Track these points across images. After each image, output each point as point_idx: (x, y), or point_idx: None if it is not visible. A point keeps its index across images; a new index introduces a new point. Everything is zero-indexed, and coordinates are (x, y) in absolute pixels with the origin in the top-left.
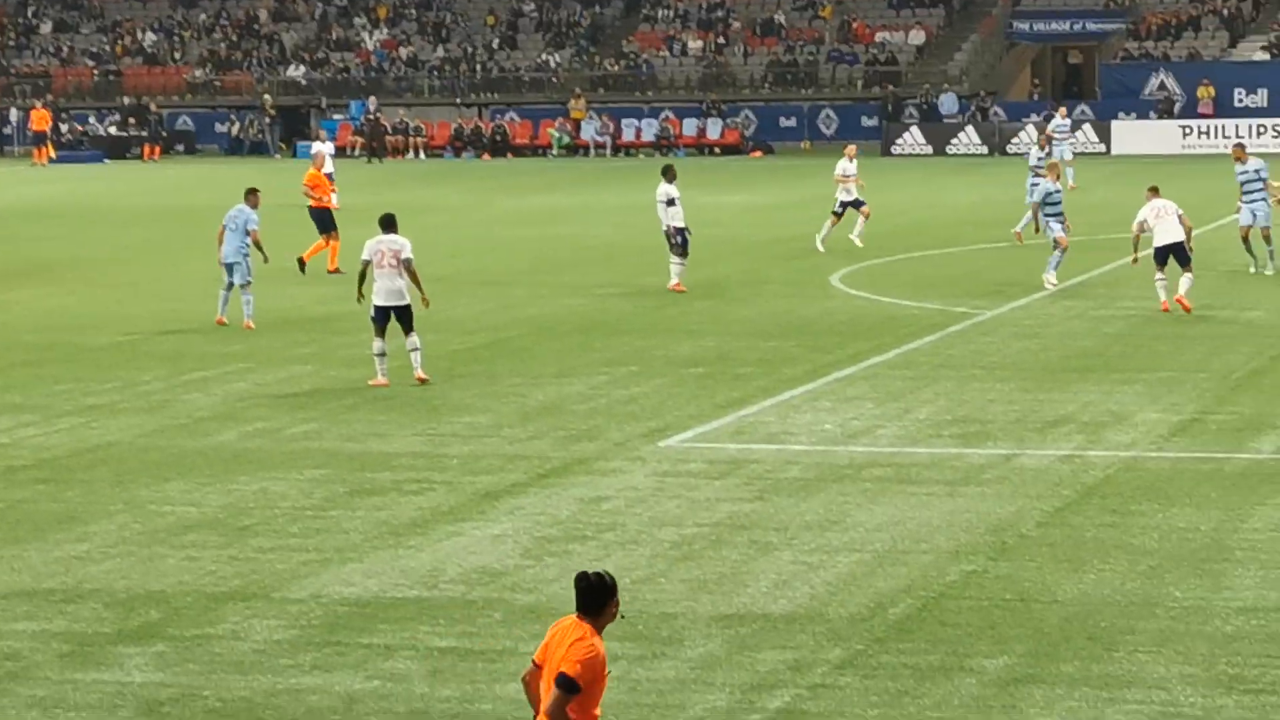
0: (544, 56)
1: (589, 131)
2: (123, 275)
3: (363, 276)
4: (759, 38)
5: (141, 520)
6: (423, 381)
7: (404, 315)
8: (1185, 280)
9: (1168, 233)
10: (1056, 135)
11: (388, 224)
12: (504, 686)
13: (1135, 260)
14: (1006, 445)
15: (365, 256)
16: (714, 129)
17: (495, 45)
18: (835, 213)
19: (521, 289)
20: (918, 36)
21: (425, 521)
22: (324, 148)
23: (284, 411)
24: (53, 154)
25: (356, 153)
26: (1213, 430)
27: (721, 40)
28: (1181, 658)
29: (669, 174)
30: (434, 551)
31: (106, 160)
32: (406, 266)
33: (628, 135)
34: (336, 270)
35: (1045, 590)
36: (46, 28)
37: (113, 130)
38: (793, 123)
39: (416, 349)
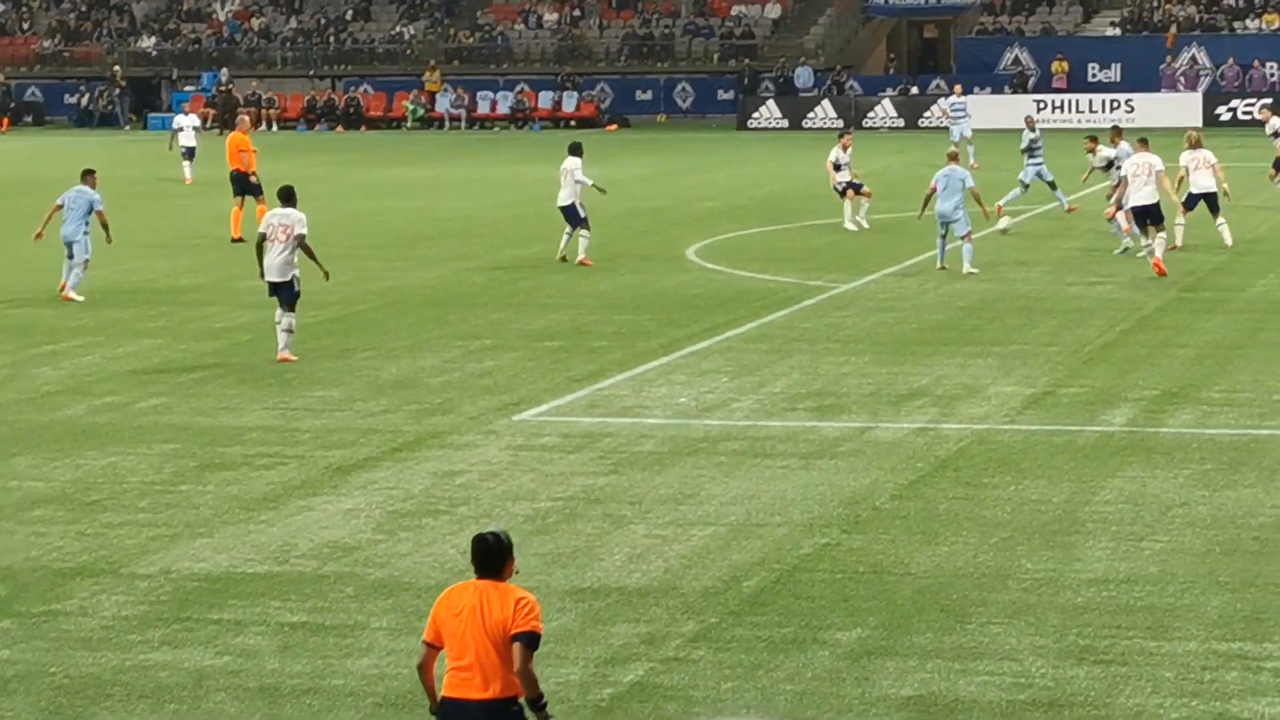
0: (398, 28)
1: (444, 104)
2: None
3: (260, 250)
4: (615, 11)
5: None
6: (284, 361)
7: (285, 291)
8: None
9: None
10: (953, 114)
11: (286, 197)
12: (355, 661)
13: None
14: (861, 418)
15: (261, 229)
16: (569, 102)
17: (349, 17)
18: (840, 191)
19: (374, 262)
20: (773, 10)
21: (276, 496)
22: (187, 120)
23: (133, 386)
24: None
25: (209, 124)
26: (1065, 403)
27: (577, 13)
28: (1033, 629)
29: (578, 149)
30: (285, 526)
31: None
32: (299, 242)
33: (483, 108)
34: (239, 239)
35: (899, 563)
36: None
37: None
38: (649, 96)
39: (289, 330)
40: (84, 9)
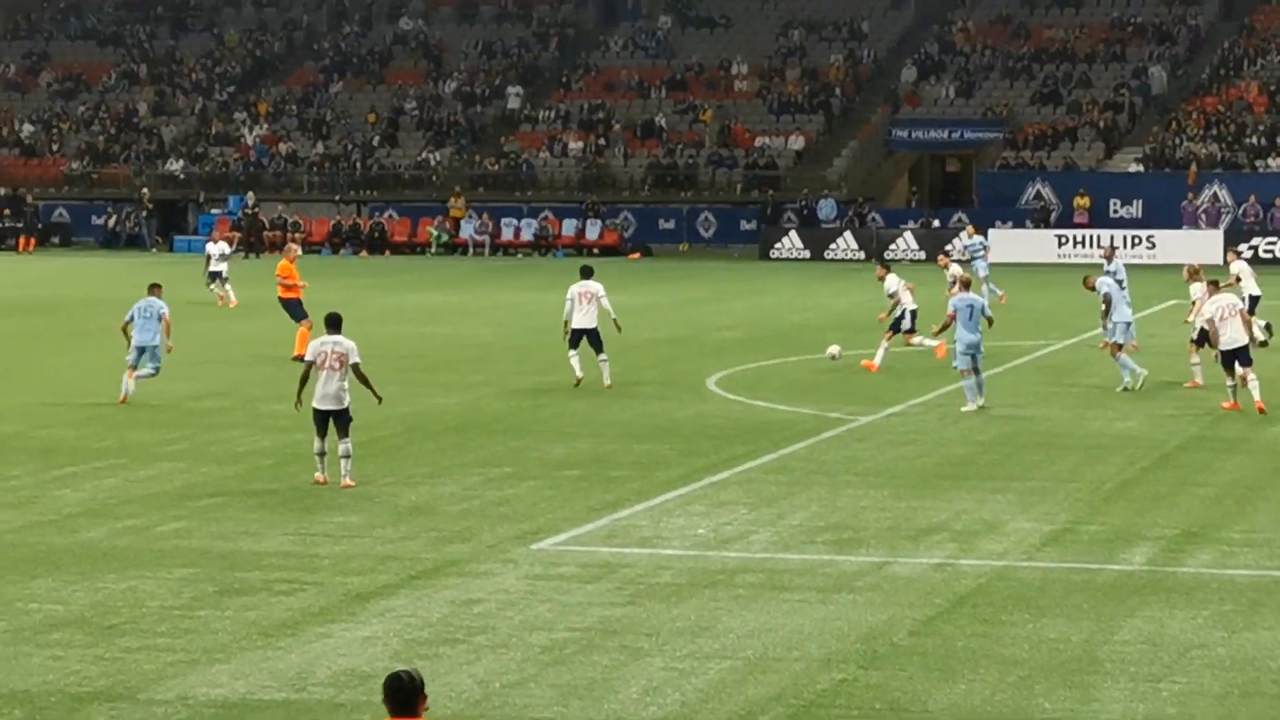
0: (424, 155)
1: (468, 230)
2: None
3: (305, 378)
4: (639, 140)
5: (7, 618)
6: (348, 487)
7: (341, 419)
8: (1253, 381)
9: (1235, 336)
10: (970, 253)
11: (334, 324)
12: None
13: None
14: (879, 553)
15: (309, 357)
16: (593, 230)
17: (375, 143)
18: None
19: (396, 387)
20: (797, 142)
21: (295, 622)
22: (216, 248)
23: (154, 509)
24: None
25: (234, 248)
26: (1084, 541)
27: (602, 142)
28: None
29: (587, 273)
30: (303, 653)
31: None
32: (355, 370)
33: (507, 234)
34: (301, 358)
35: (916, 700)
36: None
37: None
38: (672, 225)
39: (349, 456)
40: (113, 131)
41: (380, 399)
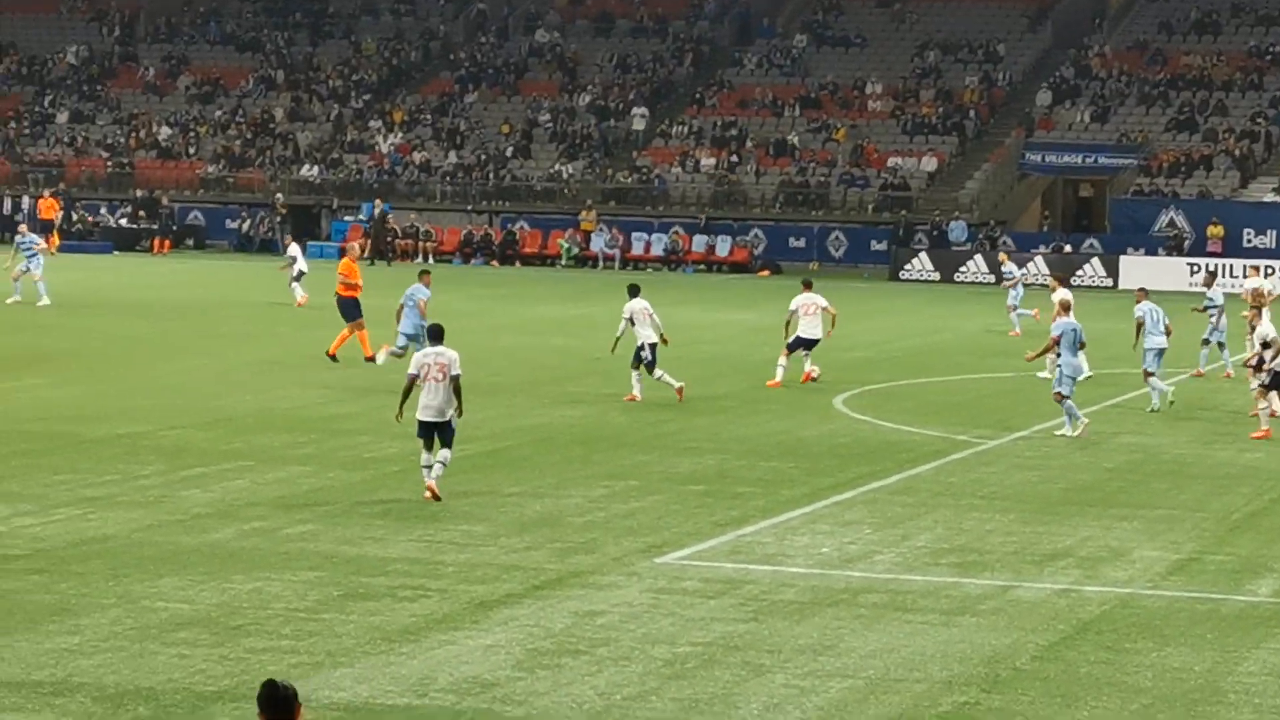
0: (557, 167)
1: (598, 243)
2: (125, 368)
3: (408, 392)
4: (772, 158)
5: (134, 615)
6: (434, 496)
7: (445, 431)
8: None
9: None
10: (1006, 281)
11: (436, 335)
12: None
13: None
14: (1003, 576)
15: (413, 370)
16: (723, 246)
17: (509, 154)
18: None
19: (523, 398)
20: (930, 163)
21: (418, 628)
22: (296, 250)
23: (281, 511)
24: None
25: (363, 255)
26: (1210, 570)
27: (734, 158)
28: None
29: (634, 291)
30: (425, 659)
31: (115, 252)
32: (455, 382)
33: (637, 249)
34: (373, 358)
35: None
36: (63, 117)
37: (123, 222)
38: (802, 243)
39: (444, 464)
40: (249, 136)
41: (461, 413)
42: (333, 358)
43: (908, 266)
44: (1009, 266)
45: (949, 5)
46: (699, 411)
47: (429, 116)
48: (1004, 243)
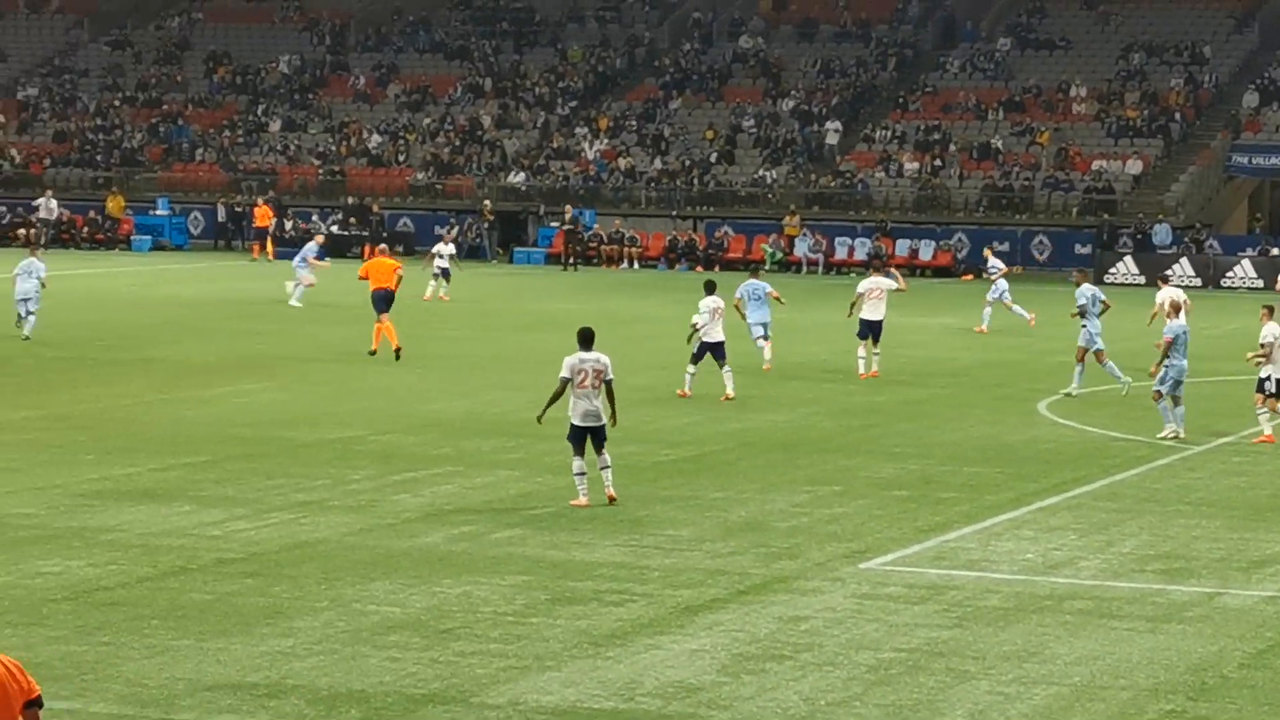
0: (761, 172)
1: (802, 248)
2: (337, 372)
3: (558, 395)
4: (975, 161)
5: (346, 618)
6: (613, 500)
7: (599, 435)
8: None
9: None
10: (990, 273)
11: (588, 340)
12: None
13: None
14: (1210, 583)
15: (565, 374)
16: (926, 250)
17: (713, 159)
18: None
19: (727, 403)
20: (1135, 166)
21: (625, 633)
22: (445, 248)
23: (489, 516)
24: (270, 254)
25: (571, 260)
26: None
27: (938, 162)
28: None
29: (711, 287)
30: (632, 663)
31: (327, 258)
32: (607, 387)
33: (840, 253)
34: (375, 351)
35: None
36: (275, 126)
37: (334, 229)
38: (1005, 247)
39: (608, 466)
40: (457, 143)
41: (615, 421)
42: (390, 352)
43: (1112, 270)
44: (995, 262)
45: (1154, 6)
46: (903, 416)
47: (634, 123)
48: (993, 243)
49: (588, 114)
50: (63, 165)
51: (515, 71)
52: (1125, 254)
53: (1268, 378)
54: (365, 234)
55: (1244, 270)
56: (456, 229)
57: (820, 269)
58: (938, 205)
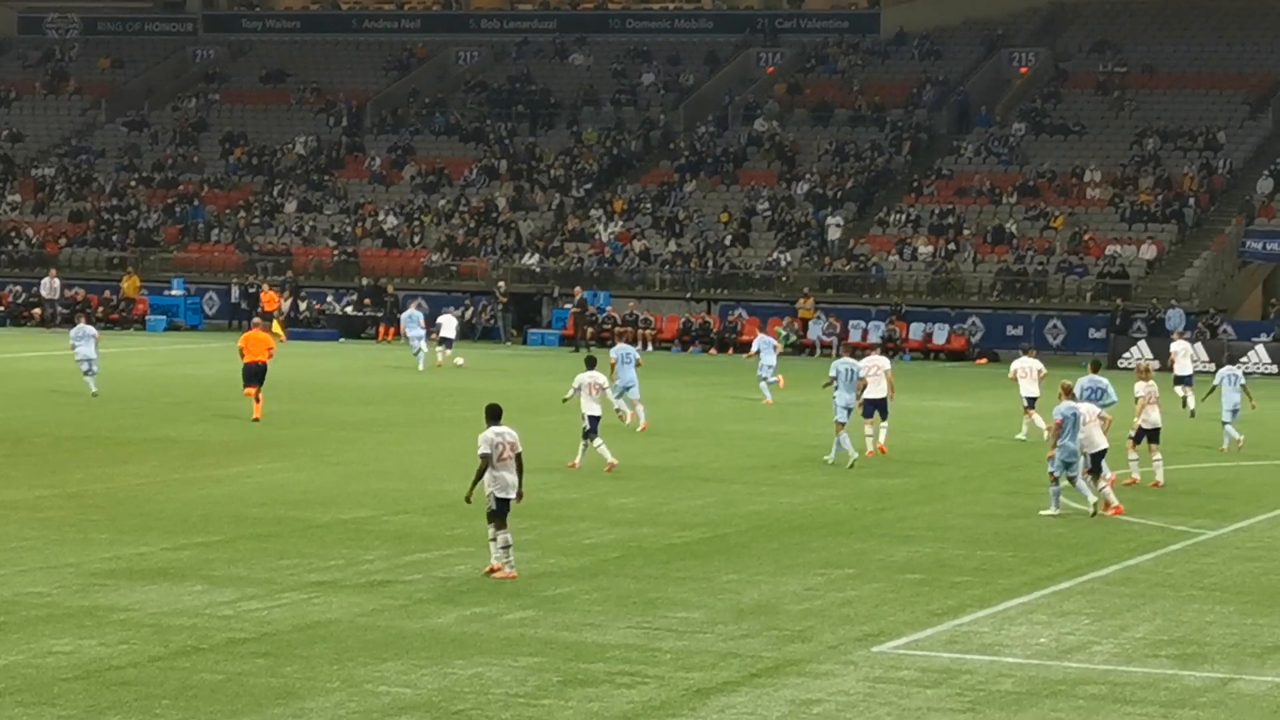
0: (775, 255)
1: (815, 331)
2: (350, 453)
3: (484, 472)
4: (989, 245)
5: (358, 699)
6: (504, 576)
7: (507, 509)
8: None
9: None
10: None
11: (497, 415)
12: None
13: None
14: (1224, 669)
15: (486, 450)
16: (940, 334)
17: (728, 242)
18: None
19: (741, 485)
20: (1149, 251)
21: (636, 715)
22: (447, 319)
23: (501, 597)
24: (282, 336)
25: (587, 342)
26: None
27: (952, 246)
28: None
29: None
30: None
31: (341, 339)
32: (518, 459)
33: (854, 336)
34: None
35: None
36: (291, 206)
37: (349, 310)
38: (1019, 331)
39: (510, 546)
40: (472, 225)
41: (521, 496)
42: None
43: (1126, 355)
44: (762, 339)
45: (1169, 93)
46: (917, 499)
47: (649, 205)
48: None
49: (602, 196)
50: (78, 245)
51: (530, 154)
52: (1139, 338)
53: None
54: (380, 315)
55: (1258, 355)
56: (471, 309)
57: (835, 351)
58: (952, 289)
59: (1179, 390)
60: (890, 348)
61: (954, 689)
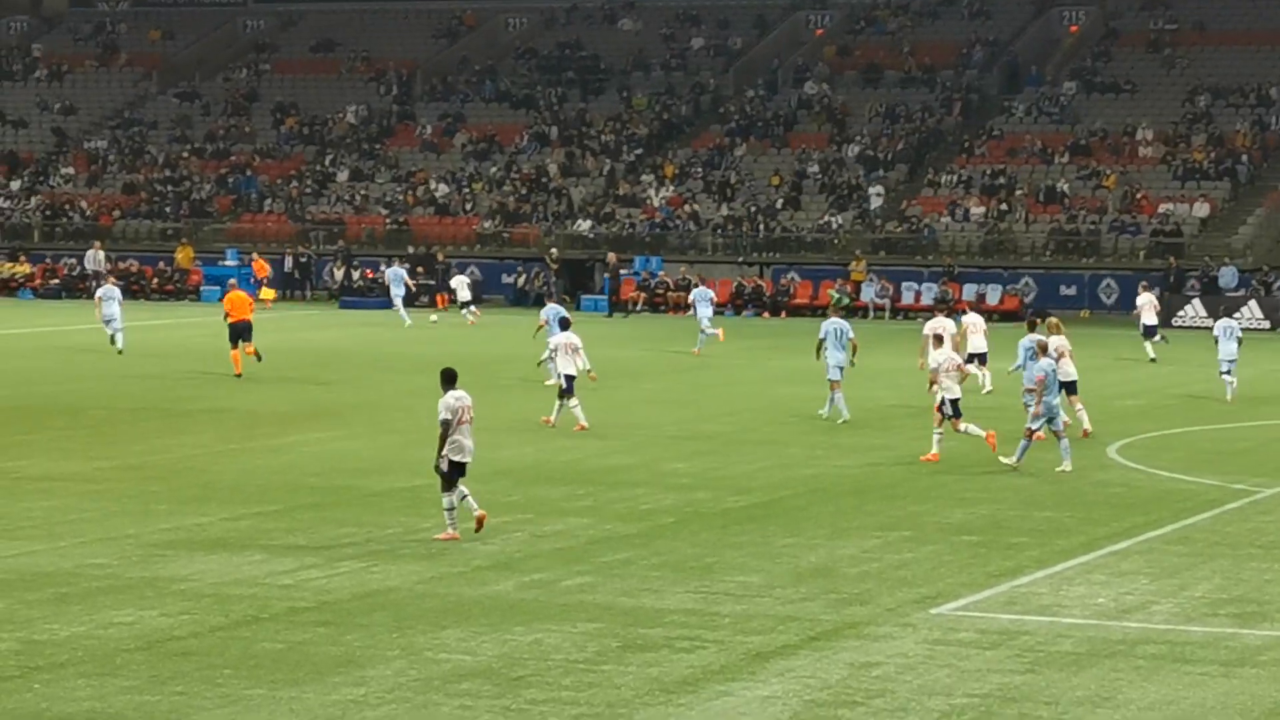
0: (826, 218)
1: (868, 293)
2: (406, 420)
3: (445, 438)
4: (1041, 205)
5: (418, 667)
6: (484, 519)
7: (464, 471)
8: None
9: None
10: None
11: (453, 379)
12: None
13: None
14: None
15: (447, 416)
16: (994, 294)
17: (779, 205)
18: None
19: (797, 449)
20: (1202, 209)
21: (696, 680)
22: (460, 280)
23: (560, 563)
24: (268, 303)
25: (639, 307)
26: None
27: (1004, 207)
28: None
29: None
30: (704, 710)
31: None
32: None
33: (906, 298)
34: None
35: None
36: (343, 176)
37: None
38: (1073, 291)
39: (467, 494)
40: (523, 192)
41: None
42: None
43: (1180, 313)
44: (697, 292)
45: (1219, 50)
46: (972, 461)
47: (700, 170)
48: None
49: (653, 161)
50: (132, 217)
51: (581, 120)
52: (1193, 297)
53: (943, 401)
54: (432, 283)
55: None
56: (524, 276)
57: (887, 314)
58: (1004, 249)
59: (1146, 345)
60: (943, 309)
61: (1013, 650)
